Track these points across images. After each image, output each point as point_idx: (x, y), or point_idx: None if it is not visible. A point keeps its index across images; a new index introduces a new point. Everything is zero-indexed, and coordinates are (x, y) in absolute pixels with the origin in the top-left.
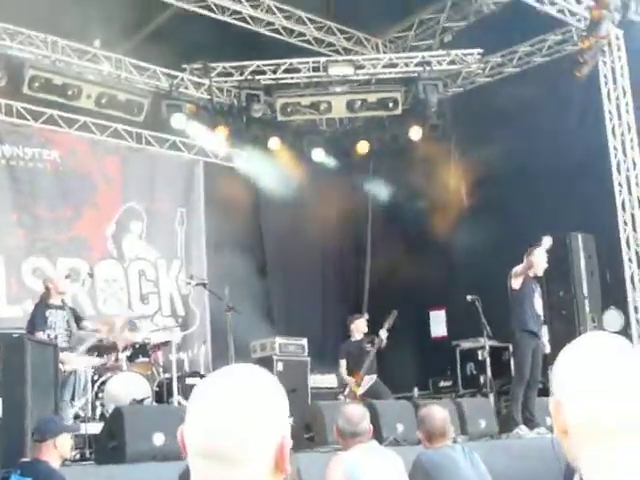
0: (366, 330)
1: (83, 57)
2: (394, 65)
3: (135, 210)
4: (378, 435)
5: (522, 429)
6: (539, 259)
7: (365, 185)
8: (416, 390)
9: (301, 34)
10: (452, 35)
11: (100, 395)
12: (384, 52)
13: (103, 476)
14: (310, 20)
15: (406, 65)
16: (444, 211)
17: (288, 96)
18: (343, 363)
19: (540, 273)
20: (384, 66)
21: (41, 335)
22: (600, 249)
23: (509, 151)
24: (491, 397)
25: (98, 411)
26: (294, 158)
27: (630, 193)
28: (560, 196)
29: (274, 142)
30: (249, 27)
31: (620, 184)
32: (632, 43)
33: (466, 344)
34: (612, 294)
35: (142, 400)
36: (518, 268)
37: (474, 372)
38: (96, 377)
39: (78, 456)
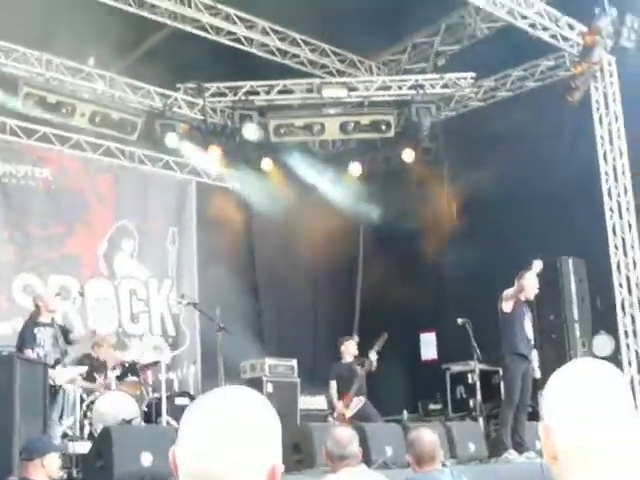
0: (356, 352)
1: (77, 75)
2: (387, 88)
3: (127, 228)
4: (367, 458)
5: (511, 453)
6: (530, 283)
7: (357, 207)
8: (405, 413)
9: (295, 56)
10: (445, 59)
11: (89, 414)
12: (377, 75)
13: None
14: (304, 42)
15: (399, 88)
16: (436, 234)
17: (281, 117)
18: (333, 384)
19: (531, 297)
20: (377, 89)
21: (30, 353)
22: (591, 274)
23: (501, 175)
24: (481, 421)
25: (86, 430)
26: (286, 179)
27: (621, 218)
28: (551, 220)
29: (267, 163)
30: (243, 48)
31: (611, 209)
32: (624, 69)
33: (456, 367)
34: (602, 319)
35: (130, 420)
36: (509, 291)
37: (464, 395)
38: (85, 396)
39: (65, 476)
